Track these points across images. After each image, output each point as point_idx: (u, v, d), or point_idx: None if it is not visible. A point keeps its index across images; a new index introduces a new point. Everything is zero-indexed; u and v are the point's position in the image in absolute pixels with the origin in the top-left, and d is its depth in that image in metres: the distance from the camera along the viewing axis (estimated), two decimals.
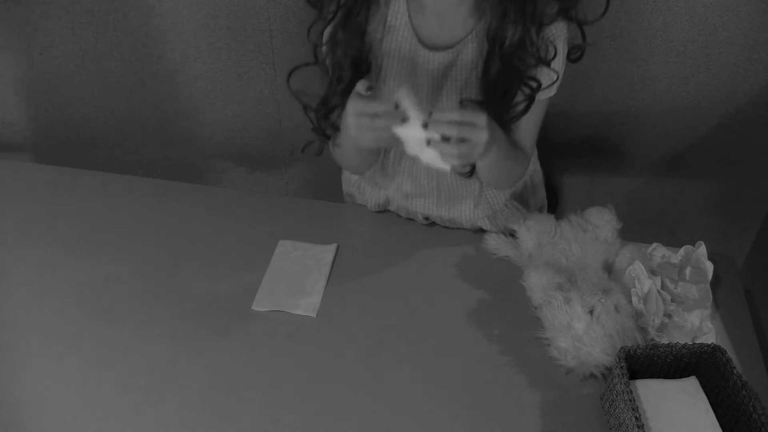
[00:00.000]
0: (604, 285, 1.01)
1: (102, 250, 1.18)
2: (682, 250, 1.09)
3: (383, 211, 1.24)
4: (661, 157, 1.31)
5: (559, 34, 0.95)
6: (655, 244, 1.11)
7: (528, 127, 1.04)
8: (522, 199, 1.22)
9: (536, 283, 1.03)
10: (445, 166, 0.89)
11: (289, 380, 0.97)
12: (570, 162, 1.35)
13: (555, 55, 0.94)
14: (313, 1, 0.98)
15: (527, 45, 0.91)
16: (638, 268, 1.02)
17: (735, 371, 0.86)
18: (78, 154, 1.52)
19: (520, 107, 0.97)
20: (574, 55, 0.99)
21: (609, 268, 1.08)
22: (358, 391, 0.96)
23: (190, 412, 0.93)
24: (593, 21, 0.93)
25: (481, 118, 0.87)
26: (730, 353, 0.90)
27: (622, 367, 0.86)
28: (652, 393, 0.89)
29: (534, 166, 1.21)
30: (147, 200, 1.29)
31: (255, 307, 1.07)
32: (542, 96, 0.99)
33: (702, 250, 1.07)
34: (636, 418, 0.80)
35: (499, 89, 0.96)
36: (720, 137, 1.26)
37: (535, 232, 1.09)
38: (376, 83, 1.03)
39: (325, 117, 1.01)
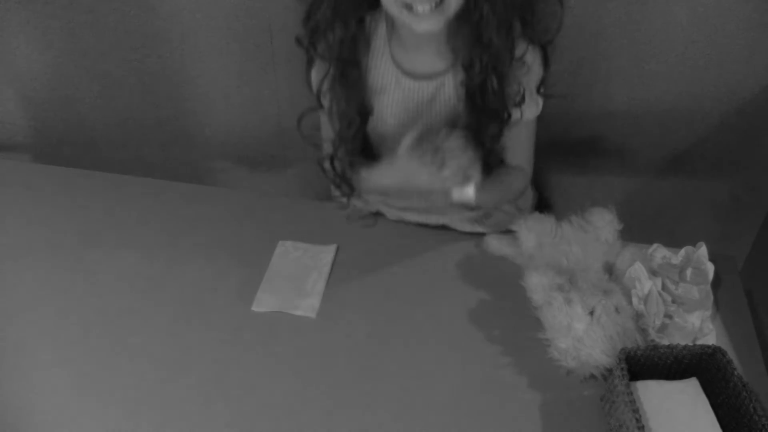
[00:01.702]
0: (605, 286, 1.00)
1: (101, 250, 1.18)
2: (682, 251, 1.09)
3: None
4: (662, 157, 1.31)
5: (533, 59, 1.00)
6: (655, 245, 1.10)
7: (521, 147, 1.09)
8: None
9: (537, 283, 1.02)
10: (470, 197, 1.00)
11: (288, 381, 0.97)
12: (570, 162, 1.35)
13: (522, 95, 1.00)
14: (305, 45, 1.01)
15: (490, 92, 0.98)
16: (639, 269, 1.02)
17: (735, 372, 0.86)
18: (78, 154, 1.52)
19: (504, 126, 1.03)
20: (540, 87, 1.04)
21: (609, 269, 1.08)
22: (358, 392, 0.96)
23: (190, 412, 0.93)
24: (551, 39, 1.01)
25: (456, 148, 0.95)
26: (731, 354, 0.90)
27: (622, 368, 0.86)
28: (653, 394, 0.89)
29: None
30: (147, 200, 1.29)
31: (255, 308, 1.07)
32: (529, 116, 1.03)
33: (703, 250, 1.07)
34: (636, 420, 0.80)
35: (485, 110, 1.00)
36: (720, 137, 1.26)
37: (535, 233, 1.09)
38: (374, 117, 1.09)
39: (350, 165, 1.06)
